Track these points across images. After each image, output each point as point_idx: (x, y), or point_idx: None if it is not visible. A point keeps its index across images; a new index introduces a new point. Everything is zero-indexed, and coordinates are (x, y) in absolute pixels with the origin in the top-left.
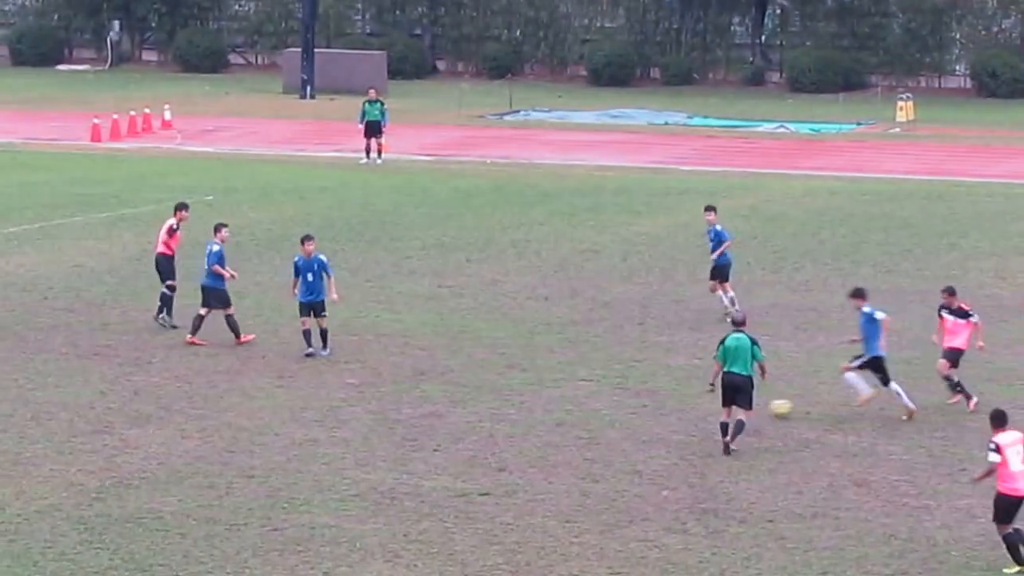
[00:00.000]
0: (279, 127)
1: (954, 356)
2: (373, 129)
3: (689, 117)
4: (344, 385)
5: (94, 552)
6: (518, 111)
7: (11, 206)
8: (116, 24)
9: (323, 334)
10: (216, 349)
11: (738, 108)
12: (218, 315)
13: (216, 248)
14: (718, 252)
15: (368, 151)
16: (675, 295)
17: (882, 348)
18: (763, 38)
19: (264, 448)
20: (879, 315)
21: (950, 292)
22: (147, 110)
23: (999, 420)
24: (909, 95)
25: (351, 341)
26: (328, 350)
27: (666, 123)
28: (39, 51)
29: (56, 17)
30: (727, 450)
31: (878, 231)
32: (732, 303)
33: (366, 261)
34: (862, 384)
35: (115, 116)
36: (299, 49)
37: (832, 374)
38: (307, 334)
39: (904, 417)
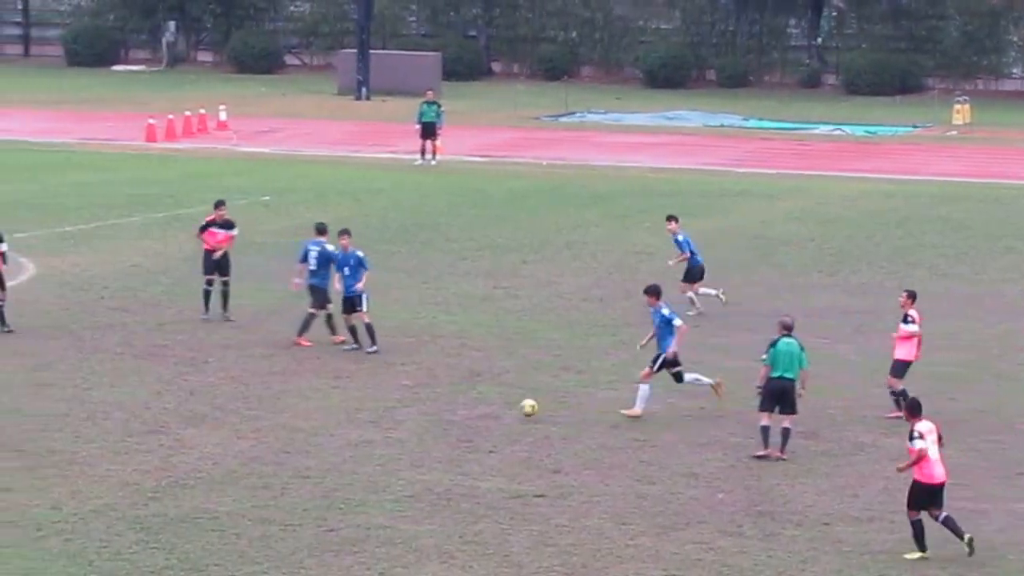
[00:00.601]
0: (334, 128)
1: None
2: (428, 130)
3: (744, 119)
4: (399, 386)
5: (149, 552)
6: (573, 113)
7: (67, 206)
8: (171, 25)
9: (368, 329)
10: (272, 350)
11: (793, 110)
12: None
13: (334, 249)
14: (679, 258)
15: (423, 152)
16: (730, 297)
17: (670, 353)
18: (819, 40)
19: (319, 449)
20: (677, 322)
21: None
22: (202, 111)
23: (917, 409)
24: (965, 98)
25: (406, 342)
26: (375, 347)
27: (721, 125)
28: (94, 51)
29: (112, 17)
30: (771, 457)
31: (934, 234)
32: (692, 303)
33: (421, 262)
34: (642, 400)
35: (170, 117)
36: (354, 50)
37: (887, 376)
38: (352, 330)
39: (717, 394)
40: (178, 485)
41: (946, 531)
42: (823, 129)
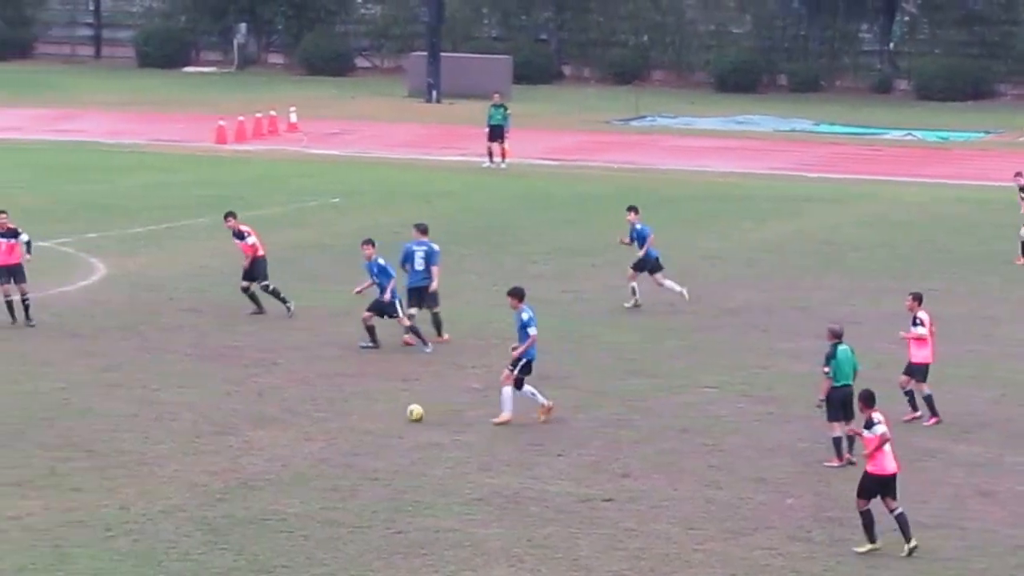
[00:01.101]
0: (404, 130)
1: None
2: (496, 133)
3: (815, 124)
4: (468, 389)
5: (218, 553)
6: (643, 117)
7: (137, 207)
8: (242, 27)
9: (412, 330)
10: (341, 352)
11: (865, 115)
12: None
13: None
14: (644, 249)
15: (490, 155)
16: (799, 302)
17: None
18: (891, 45)
19: (388, 451)
20: (531, 330)
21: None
22: (273, 112)
23: (871, 400)
24: None
25: (476, 345)
26: (428, 347)
27: (792, 130)
28: (165, 53)
29: (183, 19)
30: (847, 462)
31: (1005, 240)
32: (633, 292)
33: (491, 265)
34: (508, 405)
35: (240, 118)
36: (424, 53)
37: (957, 383)
38: (371, 330)
39: (541, 418)
40: (246, 486)
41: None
42: (894, 134)
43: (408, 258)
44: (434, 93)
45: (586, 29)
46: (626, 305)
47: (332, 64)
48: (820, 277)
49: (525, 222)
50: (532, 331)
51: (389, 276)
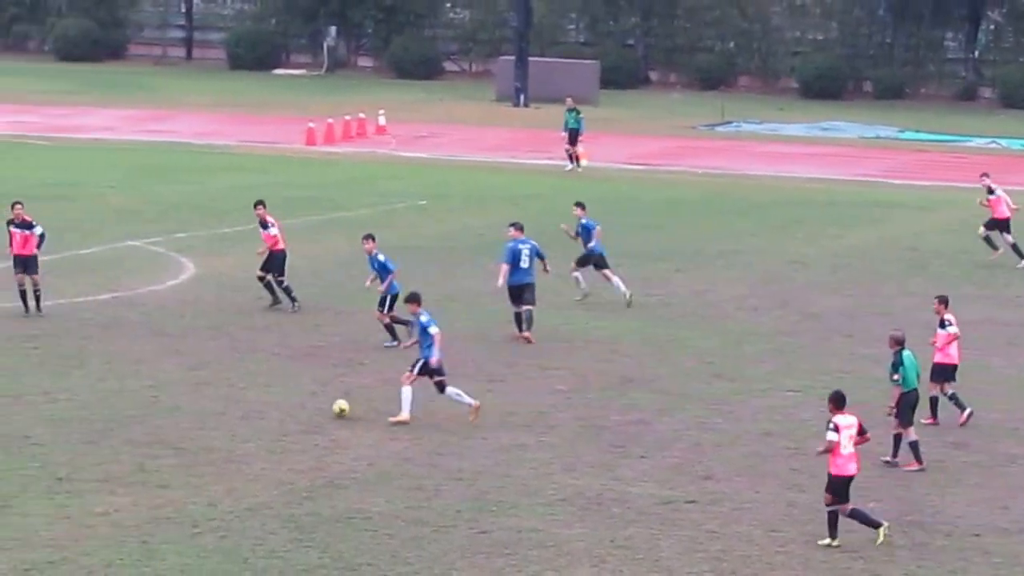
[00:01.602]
0: (491, 134)
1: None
2: (573, 137)
3: (900, 131)
4: (552, 391)
5: (303, 550)
6: (729, 122)
7: (226, 208)
8: (332, 30)
9: (387, 328)
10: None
11: (949, 123)
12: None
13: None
14: (591, 243)
15: (571, 158)
16: (883, 308)
17: (434, 361)
18: (976, 53)
19: (472, 451)
20: (433, 329)
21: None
22: (361, 115)
23: (839, 402)
24: None
25: (560, 347)
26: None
27: (876, 137)
28: (256, 55)
29: (274, 22)
30: (897, 465)
31: None
32: (577, 282)
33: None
34: (406, 404)
35: (330, 121)
36: (512, 57)
37: None
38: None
39: (472, 419)
40: (332, 485)
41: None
42: (978, 142)
43: (514, 256)
44: (522, 97)
45: (672, 35)
46: (576, 299)
47: (421, 68)
48: (903, 283)
49: (610, 226)
50: (434, 329)
51: (389, 271)
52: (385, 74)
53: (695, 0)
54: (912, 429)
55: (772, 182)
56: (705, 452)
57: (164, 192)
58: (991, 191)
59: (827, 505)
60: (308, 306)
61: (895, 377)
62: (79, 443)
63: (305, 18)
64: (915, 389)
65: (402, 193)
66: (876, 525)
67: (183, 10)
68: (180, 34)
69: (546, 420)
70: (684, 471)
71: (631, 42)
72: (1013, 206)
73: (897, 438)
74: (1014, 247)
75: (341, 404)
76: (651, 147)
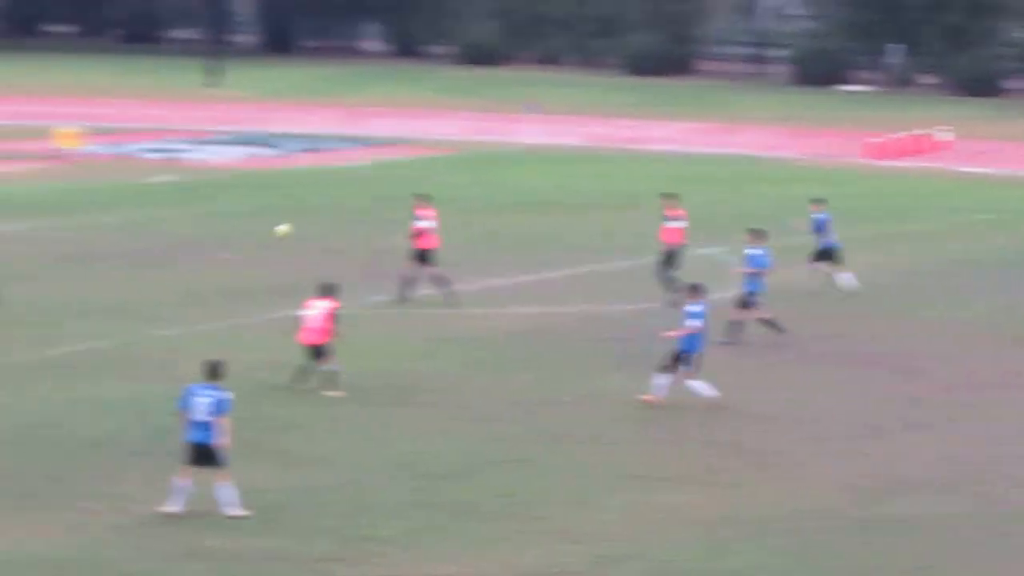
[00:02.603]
0: None
1: None
2: None
3: None
4: None
5: (870, 554)
6: None
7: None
8: (898, 48)
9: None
10: (981, 361)
11: None
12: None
13: None
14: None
15: None
16: None
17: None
18: None
19: None
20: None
21: None
22: (922, 132)
23: None
24: None
25: None
26: None
27: None
28: (821, 71)
29: (838, 40)
30: None
31: None
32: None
33: None
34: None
35: (895, 136)
36: None
37: None
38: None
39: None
40: (898, 489)
41: None
42: None
43: None
44: None
45: None
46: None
47: (980, 85)
48: None
49: None
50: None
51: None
52: (945, 91)
53: None
54: None
55: None
56: None
57: (731, 200)
58: None
59: None
60: (863, 314)
61: None
62: (652, 442)
63: (870, 37)
64: None
65: (964, 209)
66: None
67: (750, 27)
68: (746, 50)
69: None
70: None
71: None
72: None
73: None
74: None
75: (283, 228)
76: None
